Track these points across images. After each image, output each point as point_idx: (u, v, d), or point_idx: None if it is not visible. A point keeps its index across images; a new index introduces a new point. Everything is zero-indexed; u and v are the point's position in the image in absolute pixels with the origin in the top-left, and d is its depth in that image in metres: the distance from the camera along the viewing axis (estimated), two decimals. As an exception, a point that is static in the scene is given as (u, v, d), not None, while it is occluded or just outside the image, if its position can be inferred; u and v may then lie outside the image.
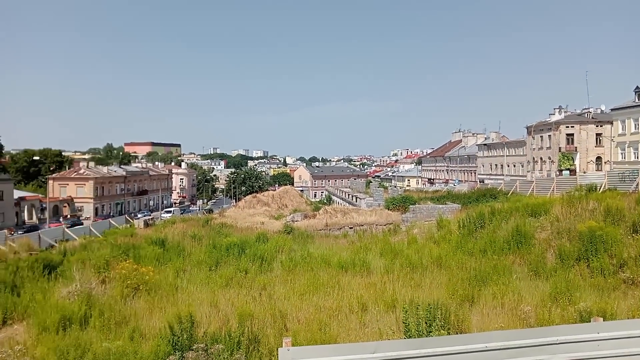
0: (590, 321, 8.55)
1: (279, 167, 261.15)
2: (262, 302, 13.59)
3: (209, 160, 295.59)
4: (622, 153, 65.43)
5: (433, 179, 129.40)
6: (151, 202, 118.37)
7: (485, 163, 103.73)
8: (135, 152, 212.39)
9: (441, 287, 14.93)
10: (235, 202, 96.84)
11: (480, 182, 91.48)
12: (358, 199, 54.01)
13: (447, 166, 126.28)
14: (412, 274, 16.96)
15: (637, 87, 64.35)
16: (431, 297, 12.46)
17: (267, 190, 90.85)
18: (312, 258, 20.16)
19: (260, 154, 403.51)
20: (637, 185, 32.40)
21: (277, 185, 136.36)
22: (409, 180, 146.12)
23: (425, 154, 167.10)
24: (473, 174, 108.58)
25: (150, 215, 78.62)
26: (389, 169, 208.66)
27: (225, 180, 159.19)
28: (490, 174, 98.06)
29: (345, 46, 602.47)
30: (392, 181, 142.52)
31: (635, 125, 62.84)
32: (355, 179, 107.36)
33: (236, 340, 9.36)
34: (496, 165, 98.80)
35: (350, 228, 36.99)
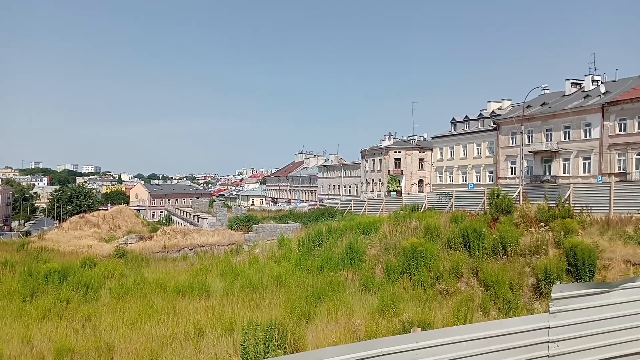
0: (410, 331, 9.34)
1: (113, 185, 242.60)
2: (85, 335, 12.33)
3: (29, 176, 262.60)
4: (440, 176, 73.89)
5: (277, 199, 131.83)
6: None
7: (324, 183, 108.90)
8: None
9: (280, 306, 15.10)
10: (59, 223, 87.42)
11: (320, 201, 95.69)
12: (200, 219, 52.60)
13: (290, 186, 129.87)
14: (253, 294, 16.89)
15: (453, 119, 73.55)
16: (270, 317, 12.53)
17: (97, 210, 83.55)
18: (146, 283, 18.94)
19: (91, 169, 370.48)
20: (452, 205, 36.72)
21: (110, 204, 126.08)
22: (253, 199, 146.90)
23: (270, 173, 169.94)
24: (314, 194, 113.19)
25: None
26: (234, 188, 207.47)
27: (48, 199, 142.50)
28: (329, 194, 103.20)
29: (189, 61, 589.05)
30: (237, 200, 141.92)
31: (451, 152, 71.56)
32: (198, 197, 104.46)
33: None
34: (334, 185, 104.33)
35: (190, 249, 35.73)
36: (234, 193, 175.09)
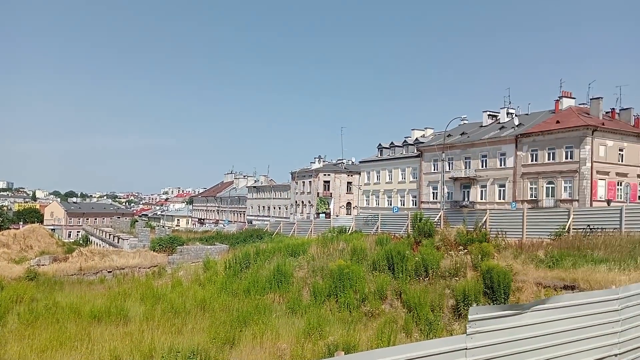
0: (334, 355, 9.38)
1: (27, 202, 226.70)
2: (-14, 366, 11.32)
3: None
4: (367, 200, 75.54)
5: (204, 219, 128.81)
6: None
7: (254, 204, 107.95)
8: None
9: (203, 331, 14.66)
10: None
11: (249, 222, 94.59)
12: (121, 239, 50.19)
13: (219, 206, 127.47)
14: (175, 319, 16.28)
15: (380, 145, 75.77)
16: (192, 343, 12.12)
17: (8, 228, 77.69)
18: (58, 308, 17.75)
19: (2, 185, 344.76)
20: (378, 228, 37.58)
21: (22, 223, 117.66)
22: (179, 220, 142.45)
23: (197, 193, 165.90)
24: (243, 215, 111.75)
25: None
26: (158, 208, 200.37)
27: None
28: (259, 215, 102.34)
29: (112, 75, 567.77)
30: (161, 220, 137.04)
31: (378, 176, 73.53)
32: (119, 217, 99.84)
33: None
34: (264, 206, 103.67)
35: (109, 272, 33.91)
36: (159, 213, 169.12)
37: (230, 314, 16.44)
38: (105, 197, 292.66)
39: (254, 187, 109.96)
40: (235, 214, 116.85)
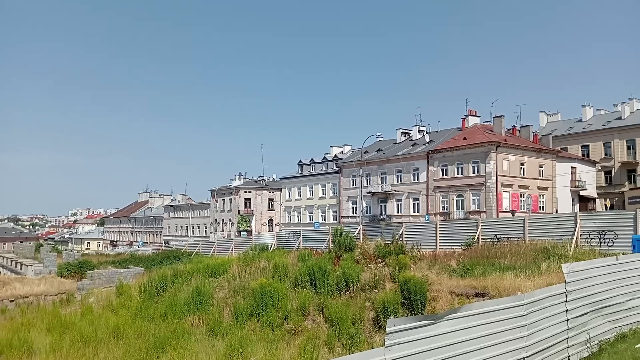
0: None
1: None
2: None
3: None
4: (289, 216, 75.63)
5: (116, 241, 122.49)
6: None
7: (171, 224, 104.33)
8: None
9: (117, 360, 13.87)
10: None
11: (165, 243, 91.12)
12: (24, 265, 46.40)
13: (132, 227, 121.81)
14: (85, 349, 15.25)
15: (300, 161, 76.40)
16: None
17: None
18: (-52, 344, 16.02)
19: None
20: (299, 244, 37.68)
21: None
22: (89, 242, 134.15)
23: (109, 214, 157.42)
24: (159, 236, 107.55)
25: None
26: (66, 231, 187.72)
27: None
28: (176, 235, 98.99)
29: (12, 85, 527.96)
30: (69, 244, 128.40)
31: (299, 192, 73.96)
32: (22, 242, 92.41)
33: None
34: (182, 226, 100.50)
35: (11, 301, 31.17)
36: (67, 236, 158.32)
37: (146, 340, 15.66)
38: (5, 220, 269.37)
39: (171, 206, 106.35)
40: (151, 235, 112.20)
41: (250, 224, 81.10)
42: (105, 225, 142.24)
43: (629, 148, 58.49)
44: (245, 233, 72.05)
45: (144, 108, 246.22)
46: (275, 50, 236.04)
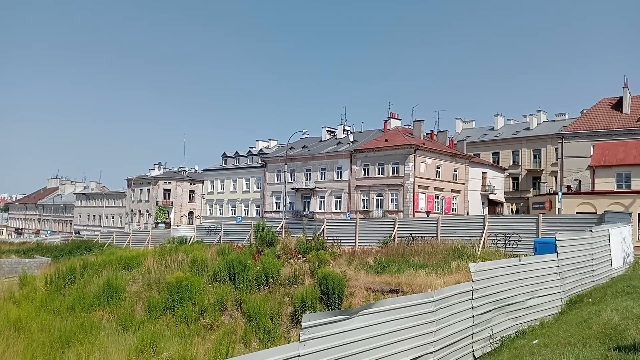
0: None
1: None
2: None
3: None
4: (210, 209, 74.16)
5: (22, 229, 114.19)
6: None
7: (83, 213, 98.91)
8: None
9: (17, 355, 13.02)
10: None
11: (76, 233, 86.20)
12: None
13: (40, 215, 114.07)
14: (-21, 344, 14.13)
15: (224, 154, 75.11)
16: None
17: None
18: None
19: None
20: (220, 238, 37.13)
21: None
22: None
23: (14, 200, 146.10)
24: (69, 225, 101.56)
25: None
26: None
27: None
28: (89, 225, 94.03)
29: None
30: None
31: (222, 185, 72.69)
32: None
33: None
34: (95, 215, 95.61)
35: None
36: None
37: (51, 334, 14.80)
38: None
39: (84, 194, 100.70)
40: (60, 224, 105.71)
41: (169, 216, 78.65)
42: (9, 212, 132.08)
43: (535, 157, 63.10)
44: (163, 225, 69.79)
45: (56, 86, 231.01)
46: (201, 40, 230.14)
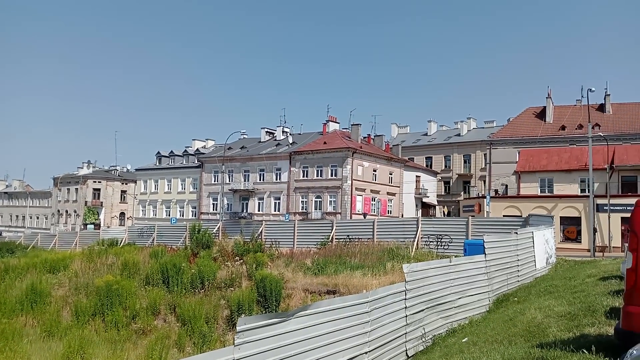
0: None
1: None
2: None
3: None
4: (143, 210, 71.73)
5: None
6: None
7: (4, 213, 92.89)
8: None
9: None
10: None
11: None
12: None
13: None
14: None
15: (159, 153, 72.93)
16: None
17: None
18: None
19: None
20: (154, 240, 36.05)
21: None
22: None
23: None
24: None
25: None
26: None
27: None
28: (10, 226, 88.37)
29: None
30: None
31: (156, 185, 70.52)
32: None
33: None
34: (18, 215, 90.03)
35: None
36: None
37: (-34, 343, 13.81)
38: None
39: (5, 192, 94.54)
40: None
41: (98, 216, 75.31)
42: None
43: (465, 162, 65.91)
44: (92, 226, 66.73)
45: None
46: (136, 33, 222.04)
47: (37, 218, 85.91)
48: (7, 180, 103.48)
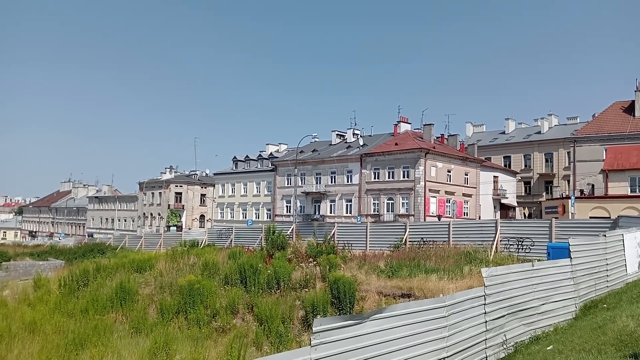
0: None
1: None
2: None
3: None
4: (221, 212, 74.48)
5: (36, 232, 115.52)
6: None
7: (96, 216, 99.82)
8: None
9: (33, 356, 13.18)
10: None
11: (89, 236, 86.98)
12: None
13: (54, 218, 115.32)
14: (-4, 345, 14.34)
15: (235, 157, 75.43)
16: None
17: None
18: None
19: None
20: (231, 241, 37.29)
21: None
22: (5, 232, 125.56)
23: (28, 203, 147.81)
24: (82, 228, 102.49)
25: None
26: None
27: None
28: (101, 228, 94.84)
29: None
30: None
31: (232, 189, 73.01)
32: None
33: None
34: (107, 219, 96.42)
35: None
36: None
37: (65, 336, 14.97)
38: None
39: (96, 197, 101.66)
40: (74, 227, 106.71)
41: (180, 219, 79.10)
42: (23, 215, 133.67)
43: (547, 161, 62.60)
44: (174, 228, 70.18)
45: (68, 91, 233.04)
46: (212, 42, 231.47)
47: (125, 221, 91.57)
48: (97, 186, 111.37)
